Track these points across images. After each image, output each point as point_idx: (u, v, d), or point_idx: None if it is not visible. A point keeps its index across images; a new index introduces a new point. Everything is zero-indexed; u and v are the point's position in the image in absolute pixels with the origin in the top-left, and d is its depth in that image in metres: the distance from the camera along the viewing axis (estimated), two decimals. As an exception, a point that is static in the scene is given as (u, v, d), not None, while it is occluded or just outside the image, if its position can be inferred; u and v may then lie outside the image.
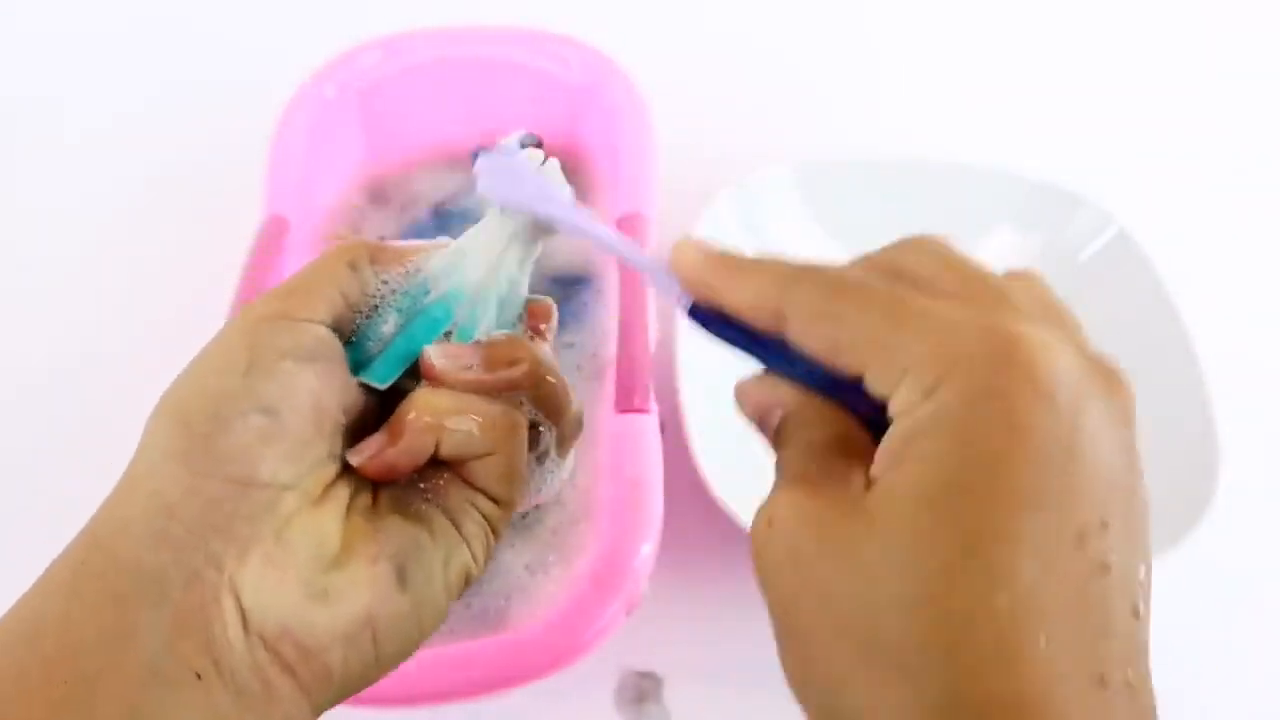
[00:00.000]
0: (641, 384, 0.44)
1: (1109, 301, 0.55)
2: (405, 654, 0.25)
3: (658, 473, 0.43)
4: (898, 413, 0.21)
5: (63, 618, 0.22)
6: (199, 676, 0.22)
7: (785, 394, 0.24)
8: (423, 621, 0.25)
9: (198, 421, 0.23)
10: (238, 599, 0.22)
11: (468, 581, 0.27)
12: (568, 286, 0.53)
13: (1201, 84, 0.73)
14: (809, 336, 0.23)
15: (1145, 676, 0.20)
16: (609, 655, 0.45)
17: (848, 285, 0.23)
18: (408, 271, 0.28)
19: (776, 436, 0.25)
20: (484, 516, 0.27)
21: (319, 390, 0.24)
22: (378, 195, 0.59)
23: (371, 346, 0.27)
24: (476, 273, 0.28)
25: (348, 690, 0.25)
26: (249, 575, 0.23)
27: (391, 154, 0.60)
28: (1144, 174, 0.66)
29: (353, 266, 0.27)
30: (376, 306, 0.27)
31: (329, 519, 0.25)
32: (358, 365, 0.26)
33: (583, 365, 0.50)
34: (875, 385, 0.22)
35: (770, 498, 0.23)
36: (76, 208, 0.65)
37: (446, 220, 0.58)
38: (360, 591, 0.24)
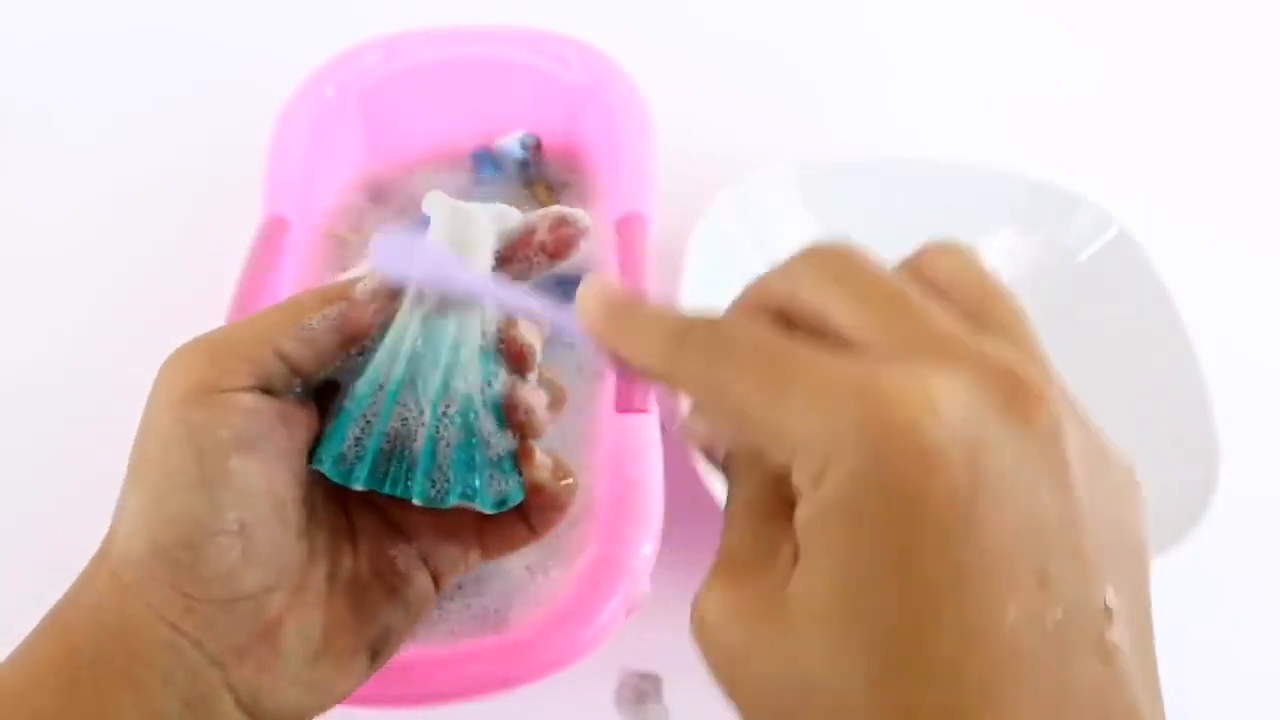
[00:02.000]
0: (642, 384, 0.44)
1: (1109, 301, 0.55)
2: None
3: (658, 473, 0.42)
4: (798, 493, 0.19)
5: (93, 691, 0.24)
6: None
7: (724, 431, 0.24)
8: (377, 669, 0.28)
9: (174, 549, 0.24)
10: (236, 694, 0.25)
11: None
12: (568, 286, 0.53)
13: (1202, 84, 0.73)
14: (701, 410, 0.22)
15: (1131, 712, 0.18)
16: (609, 655, 0.45)
17: (725, 348, 0.21)
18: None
19: (724, 473, 0.24)
20: (466, 566, 0.30)
21: (270, 480, 0.25)
22: (378, 195, 0.59)
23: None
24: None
25: None
26: (246, 677, 0.25)
27: (391, 154, 0.60)
28: (1144, 174, 0.67)
29: (294, 324, 0.26)
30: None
31: (311, 607, 0.26)
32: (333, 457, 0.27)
33: (583, 365, 0.50)
34: (773, 460, 0.20)
35: (703, 586, 0.22)
36: (76, 208, 0.64)
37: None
38: (340, 681, 0.27)
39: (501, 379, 0.28)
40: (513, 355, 0.28)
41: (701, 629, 0.21)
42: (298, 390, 0.27)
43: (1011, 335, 0.21)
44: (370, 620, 0.27)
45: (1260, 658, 0.50)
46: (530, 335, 0.28)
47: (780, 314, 0.22)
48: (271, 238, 0.50)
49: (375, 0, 0.70)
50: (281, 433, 0.26)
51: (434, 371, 0.27)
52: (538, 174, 0.60)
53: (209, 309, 0.45)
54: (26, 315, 0.60)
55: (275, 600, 0.25)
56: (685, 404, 0.24)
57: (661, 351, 0.22)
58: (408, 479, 0.27)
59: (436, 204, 0.28)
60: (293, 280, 0.50)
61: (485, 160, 0.60)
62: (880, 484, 0.18)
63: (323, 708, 0.27)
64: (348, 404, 0.27)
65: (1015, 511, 0.18)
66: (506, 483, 0.28)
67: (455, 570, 0.29)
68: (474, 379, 0.27)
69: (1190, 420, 0.50)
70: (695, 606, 0.21)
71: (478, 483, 0.27)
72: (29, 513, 0.52)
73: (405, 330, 0.27)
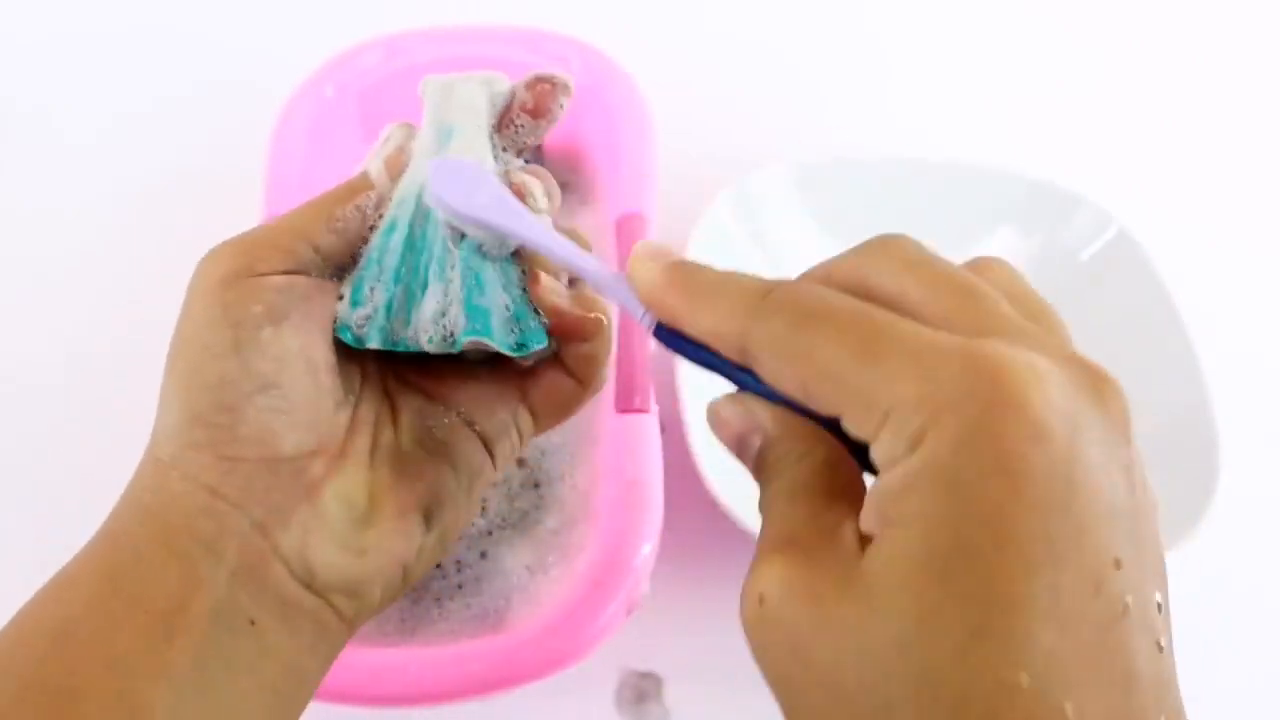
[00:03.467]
0: (641, 384, 0.44)
1: (1109, 301, 0.55)
2: (428, 571, 0.28)
3: (658, 473, 0.43)
4: (883, 463, 0.19)
5: (134, 565, 0.23)
6: (252, 623, 0.23)
7: (763, 417, 0.22)
8: (446, 543, 0.28)
9: (210, 413, 0.24)
10: (286, 562, 0.24)
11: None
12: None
13: (1202, 84, 0.73)
14: (778, 376, 0.21)
15: (1178, 711, 0.19)
16: (609, 655, 0.45)
17: (815, 314, 0.20)
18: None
19: (757, 467, 0.23)
20: (519, 432, 0.29)
21: (303, 347, 0.25)
22: (378, 195, 0.59)
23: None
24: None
25: (379, 611, 0.27)
26: (293, 542, 0.24)
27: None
28: (1144, 174, 0.67)
29: (326, 218, 0.27)
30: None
31: (354, 472, 0.26)
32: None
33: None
34: (854, 429, 0.20)
35: (757, 566, 0.21)
36: (76, 208, 0.64)
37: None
38: (393, 543, 0.26)
39: None
40: (515, 195, 0.28)
41: (761, 610, 0.20)
42: (329, 275, 0.28)
43: (1066, 340, 0.21)
44: (416, 478, 0.27)
45: (1260, 658, 0.50)
46: (525, 176, 0.28)
47: (852, 293, 0.21)
48: (271, 238, 0.50)
49: (375, 0, 0.70)
50: (314, 302, 0.26)
51: (439, 228, 0.27)
52: (538, 174, 0.60)
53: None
54: (26, 315, 0.60)
55: (316, 465, 0.25)
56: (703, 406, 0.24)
57: (738, 314, 0.21)
58: (419, 332, 0.27)
59: (430, 87, 0.30)
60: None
61: (485, 160, 0.60)
62: (985, 450, 0.18)
63: (386, 575, 0.26)
64: (359, 268, 0.27)
65: (1101, 493, 0.18)
66: (525, 324, 0.27)
67: (508, 436, 0.29)
68: None
69: (1190, 420, 0.50)
70: (750, 587, 0.20)
71: (486, 318, 0.26)
72: (29, 513, 0.52)
73: (407, 191, 0.28)
